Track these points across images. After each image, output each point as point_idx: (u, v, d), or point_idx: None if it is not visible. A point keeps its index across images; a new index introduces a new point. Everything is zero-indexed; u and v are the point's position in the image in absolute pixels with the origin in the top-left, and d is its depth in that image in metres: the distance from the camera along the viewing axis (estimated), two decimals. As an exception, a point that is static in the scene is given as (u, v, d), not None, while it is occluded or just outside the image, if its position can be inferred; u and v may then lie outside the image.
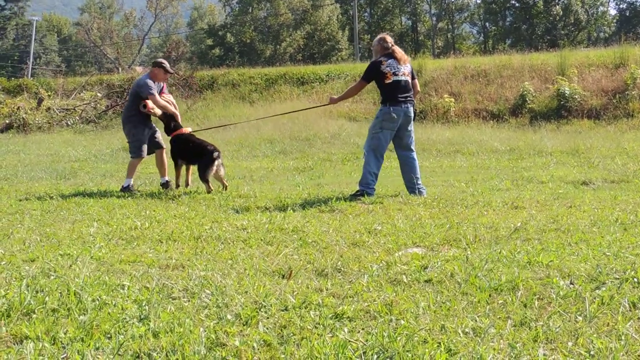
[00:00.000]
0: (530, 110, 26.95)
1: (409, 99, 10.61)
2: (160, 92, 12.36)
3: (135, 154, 12.28)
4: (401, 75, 10.56)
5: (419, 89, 11.10)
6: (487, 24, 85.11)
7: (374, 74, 10.63)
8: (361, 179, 10.68)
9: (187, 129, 12.26)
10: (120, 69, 57.05)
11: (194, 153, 11.78)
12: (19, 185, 13.16)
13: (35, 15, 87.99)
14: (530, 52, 38.79)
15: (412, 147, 10.89)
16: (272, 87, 35.67)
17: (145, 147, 12.27)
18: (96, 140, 25.83)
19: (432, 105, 28.65)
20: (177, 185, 12.10)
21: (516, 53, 37.12)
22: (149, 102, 11.86)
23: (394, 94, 10.51)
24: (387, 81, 10.50)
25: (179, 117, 12.41)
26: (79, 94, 36.07)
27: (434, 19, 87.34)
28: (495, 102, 28.23)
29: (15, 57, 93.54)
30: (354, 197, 10.29)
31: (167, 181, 12.31)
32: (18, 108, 32.36)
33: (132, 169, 12.35)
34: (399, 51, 10.71)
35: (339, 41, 76.75)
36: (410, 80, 10.73)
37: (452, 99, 28.48)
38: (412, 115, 10.71)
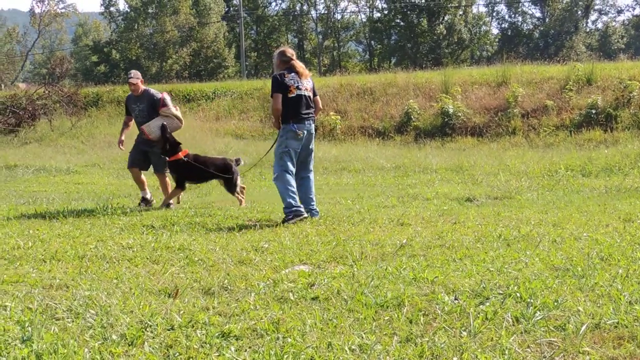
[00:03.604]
0: (415, 128, 27.34)
1: (310, 115, 10.24)
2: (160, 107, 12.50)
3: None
4: (304, 90, 10.15)
5: (321, 106, 10.65)
6: (372, 42, 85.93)
7: (278, 85, 10.09)
8: (283, 203, 10.05)
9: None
10: (2, 85, 55.79)
11: None
12: None
13: None
14: (415, 70, 39.30)
15: (310, 167, 10.50)
16: (158, 104, 35.31)
17: (130, 158, 12.68)
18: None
19: (318, 122, 28.73)
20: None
21: (401, 71, 37.61)
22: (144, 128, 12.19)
23: (296, 109, 10.07)
24: (291, 95, 10.03)
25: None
26: (-39, 110, 35.10)
27: (320, 37, 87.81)
28: (381, 119, 28.53)
29: None
30: (286, 221, 9.69)
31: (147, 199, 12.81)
32: None
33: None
34: (299, 65, 10.28)
35: (226, 58, 76.43)
36: (312, 97, 10.32)
37: (339, 117, 28.72)
38: (314, 132, 10.37)
